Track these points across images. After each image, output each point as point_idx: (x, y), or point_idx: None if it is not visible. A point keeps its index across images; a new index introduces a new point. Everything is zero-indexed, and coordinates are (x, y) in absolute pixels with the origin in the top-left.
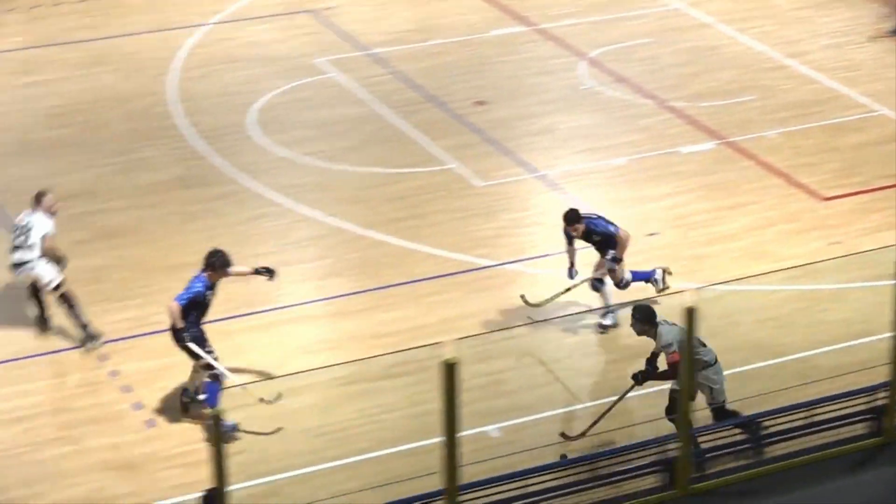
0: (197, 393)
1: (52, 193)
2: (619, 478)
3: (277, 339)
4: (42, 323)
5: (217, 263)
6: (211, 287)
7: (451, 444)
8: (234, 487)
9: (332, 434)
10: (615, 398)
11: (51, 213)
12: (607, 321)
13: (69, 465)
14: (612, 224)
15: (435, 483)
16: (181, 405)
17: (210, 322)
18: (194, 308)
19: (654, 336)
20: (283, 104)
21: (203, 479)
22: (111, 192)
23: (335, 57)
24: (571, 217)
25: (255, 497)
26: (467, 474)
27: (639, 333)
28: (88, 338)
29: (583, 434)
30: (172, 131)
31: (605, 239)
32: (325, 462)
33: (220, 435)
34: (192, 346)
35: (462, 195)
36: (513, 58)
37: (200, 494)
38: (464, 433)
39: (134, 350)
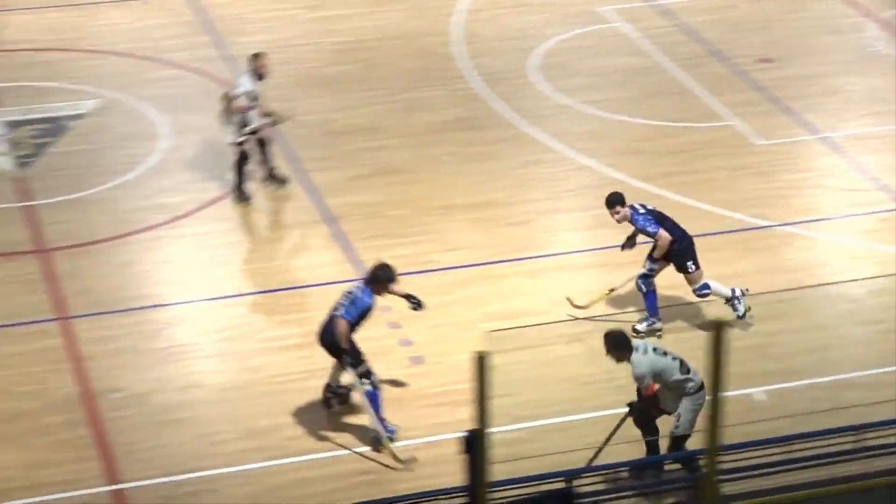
0: (341, 388)
1: (268, 58)
2: (884, 451)
3: (546, 285)
4: (274, 179)
5: (383, 277)
6: (374, 301)
7: (715, 404)
8: (495, 430)
9: (594, 384)
10: (614, 427)
11: (258, 75)
12: (740, 307)
13: None
14: (655, 223)
15: (696, 442)
16: (324, 400)
17: (485, 264)
18: (357, 323)
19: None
20: (565, 51)
21: (465, 419)
22: (391, 130)
23: (621, 6)
24: (610, 200)
25: (515, 441)
26: (729, 435)
27: (617, 361)
28: (241, 196)
29: (589, 462)
30: (455, 72)
31: (646, 236)
32: (586, 412)
33: (484, 376)
34: (351, 372)
35: (741, 153)
36: (801, 15)
37: (462, 434)
38: (729, 393)
39: (405, 287)
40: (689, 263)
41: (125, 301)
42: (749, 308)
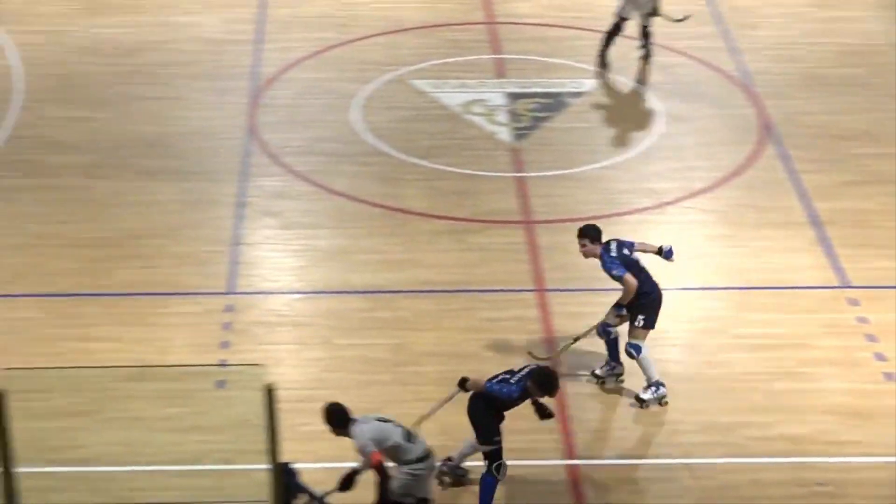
0: (460, 469)
1: None
2: None
3: None
4: (602, 62)
5: (545, 386)
6: (522, 399)
7: None
8: None
9: None
10: None
11: None
12: (647, 395)
13: (802, 402)
14: (622, 267)
15: None
16: (438, 472)
17: None
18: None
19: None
20: None
21: None
22: (890, 138)
23: None
24: (581, 230)
25: None
26: None
27: (337, 435)
28: (600, 62)
29: None
30: None
31: (611, 277)
32: None
33: None
34: (479, 448)
35: None
36: None
37: None
38: None
39: (886, 301)
40: (641, 317)
41: (601, 280)
42: (664, 401)
